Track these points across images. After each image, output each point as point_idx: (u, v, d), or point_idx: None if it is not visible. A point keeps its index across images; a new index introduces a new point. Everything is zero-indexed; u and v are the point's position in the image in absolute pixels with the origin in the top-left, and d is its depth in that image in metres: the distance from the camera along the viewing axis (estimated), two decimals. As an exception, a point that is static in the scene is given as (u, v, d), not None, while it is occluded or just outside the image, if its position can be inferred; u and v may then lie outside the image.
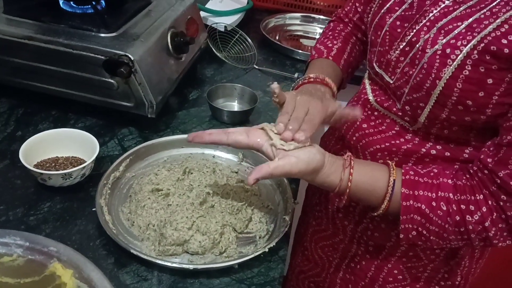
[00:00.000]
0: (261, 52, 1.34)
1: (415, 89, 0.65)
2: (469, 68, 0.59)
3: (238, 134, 0.67)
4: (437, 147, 0.69)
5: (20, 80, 0.94)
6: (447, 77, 0.60)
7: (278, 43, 1.39)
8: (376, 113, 0.76)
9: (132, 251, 0.67)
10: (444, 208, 0.63)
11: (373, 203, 0.68)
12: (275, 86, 0.68)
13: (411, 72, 0.65)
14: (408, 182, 0.65)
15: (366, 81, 0.80)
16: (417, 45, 0.64)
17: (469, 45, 0.59)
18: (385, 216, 0.74)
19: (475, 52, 0.58)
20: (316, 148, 0.66)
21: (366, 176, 0.67)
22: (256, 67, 1.28)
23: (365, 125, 0.77)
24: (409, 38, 0.66)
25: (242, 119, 1.04)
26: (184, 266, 0.68)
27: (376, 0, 0.75)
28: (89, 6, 0.96)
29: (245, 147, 0.68)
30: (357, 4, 0.89)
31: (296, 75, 1.25)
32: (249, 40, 1.31)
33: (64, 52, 0.88)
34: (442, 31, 0.62)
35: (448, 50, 0.60)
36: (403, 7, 0.70)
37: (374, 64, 0.75)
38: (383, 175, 0.67)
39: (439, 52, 0.61)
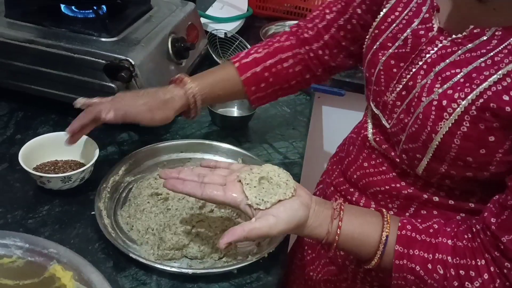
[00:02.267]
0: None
1: (411, 139, 0.61)
2: (467, 125, 0.54)
3: (214, 190, 0.62)
4: (440, 193, 0.64)
5: (20, 84, 0.94)
6: (444, 132, 0.56)
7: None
8: (376, 152, 0.71)
9: (131, 255, 0.67)
10: (441, 272, 0.57)
11: (363, 256, 0.63)
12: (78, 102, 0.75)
13: (406, 120, 0.61)
14: (403, 239, 0.60)
15: (369, 114, 0.73)
16: (414, 91, 0.60)
17: (466, 99, 0.54)
18: None
19: (473, 107, 0.53)
20: (300, 200, 0.61)
21: (356, 230, 0.62)
22: (256, 73, 1.28)
23: (366, 164, 0.72)
24: (405, 81, 0.62)
25: (241, 125, 1.05)
26: (183, 270, 0.68)
27: (369, 31, 0.70)
28: (91, 11, 0.97)
29: (221, 203, 0.64)
30: (327, 11, 0.80)
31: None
32: (249, 46, 1.31)
33: (65, 56, 0.88)
34: (439, 78, 0.57)
35: (444, 102, 0.56)
36: (396, 44, 0.64)
37: (371, 104, 0.70)
38: (375, 228, 0.62)
39: (434, 103, 0.57)
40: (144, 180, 0.83)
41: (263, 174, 0.63)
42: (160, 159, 0.89)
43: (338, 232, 0.61)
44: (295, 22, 1.52)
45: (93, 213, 0.73)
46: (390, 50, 0.65)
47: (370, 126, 0.72)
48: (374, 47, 0.68)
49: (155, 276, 0.69)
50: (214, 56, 1.26)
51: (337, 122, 1.41)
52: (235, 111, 1.10)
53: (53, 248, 0.50)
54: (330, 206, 0.63)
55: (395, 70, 0.64)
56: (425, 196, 0.65)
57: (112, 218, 0.76)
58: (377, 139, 0.70)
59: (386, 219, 0.62)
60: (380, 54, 0.67)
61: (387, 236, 0.61)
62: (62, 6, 0.98)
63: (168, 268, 0.67)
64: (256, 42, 1.42)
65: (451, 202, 0.64)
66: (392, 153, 0.67)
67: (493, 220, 0.55)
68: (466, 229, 0.59)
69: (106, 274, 0.67)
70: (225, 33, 1.31)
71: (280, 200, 0.60)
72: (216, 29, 1.30)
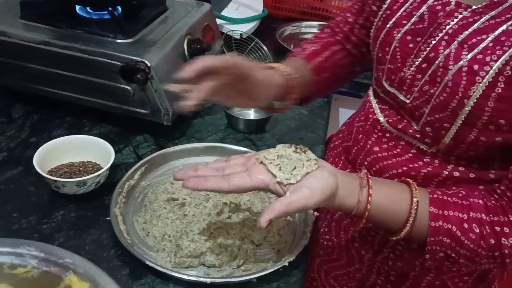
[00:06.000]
0: (276, 60, 1.31)
1: (437, 109, 0.60)
2: (502, 86, 0.54)
3: (240, 178, 0.59)
4: (460, 168, 0.64)
5: (35, 86, 0.93)
6: (477, 96, 0.55)
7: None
8: (388, 134, 0.70)
9: (147, 262, 0.65)
10: (477, 231, 0.57)
11: (394, 226, 0.62)
12: (171, 87, 0.63)
13: (432, 91, 0.60)
14: (436, 201, 0.60)
15: (372, 99, 0.75)
16: (437, 62, 0.60)
17: (500, 61, 0.54)
18: (409, 245, 0.70)
19: (508, 68, 0.54)
20: (327, 170, 0.60)
21: (386, 197, 0.61)
22: (272, 75, 1.26)
23: (376, 148, 0.71)
24: (425, 54, 0.62)
25: (258, 128, 1.02)
26: (201, 279, 0.65)
27: (378, 14, 0.70)
28: (106, 12, 0.95)
29: (250, 190, 0.60)
30: (348, 15, 0.84)
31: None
32: (265, 48, 1.29)
33: (80, 58, 0.87)
34: (465, 46, 0.57)
35: (475, 67, 0.56)
36: (412, 20, 0.64)
37: (384, 83, 0.70)
38: (405, 196, 0.61)
39: (464, 69, 0.56)
40: (160, 185, 0.81)
41: (281, 152, 0.61)
42: (176, 163, 0.87)
43: (369, 200, 0.60)
44: (312, 23, 1.54)
45: (108, 218, 0.71)
46: (406, 27, 0.65)
47: (377, 109, 0.72)
48: (388, 26, 0.67)
49: (172, 285, 0.67)
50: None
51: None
52: (251, 114, 1.08)
53: (69, 257, 0.48)
54: (356, 176, 0.62)
55: (411, 45, 0.64)
56: (445, 173, 0.65)
57: (128, 223, 0.74)
58: (390, 120, 0.69)
59: (413, 186, 0.61)
60: (395, 32, 0.66)
61: (417, 202, 0.60)
62: (77, 7, 0.96)
63: (185, 277, 0.65)
64: (272, 43, 1.41)
65: (471, 175, 0.64)
66: (410, 130, 0.66)
67: None
68: (491, 192, 0.60)
69: (122, 282, 0.66)
70: (241, 34, 1.29)
71: (308, 173, 0.58)
72: (232, 30, 1.28)
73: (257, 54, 1.29)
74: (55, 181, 0.73)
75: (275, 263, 0.71)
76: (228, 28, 1.29)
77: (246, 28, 1.33)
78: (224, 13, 1.35)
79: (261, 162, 0.60)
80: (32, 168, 0.75)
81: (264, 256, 0.73)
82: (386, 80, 0.69)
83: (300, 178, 0.58)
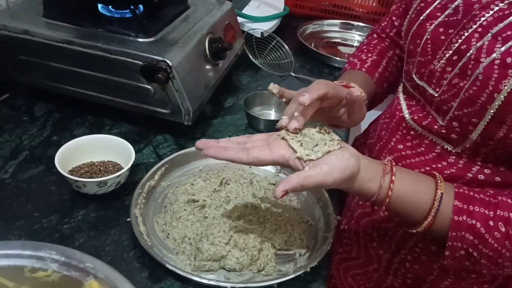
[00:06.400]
0: (297, 59, 1.31)
1: (466, 104, 0.58)
2: None
3: (260, 150, 0.58)
4: (485, 171, 0.62)
5: (57, 85, 0.93)
6: (508, 90, 0.53)
7: (316, 50, 1.35)
8: (412, 132, 0.68)
9: (167, 265, 0.64)
10: (503, 230, 0.55)
11: (414, 217, 0.60)
12: (271, 87, 0.63)
13: (461, 84, 0.59)
14: (461, 195, 0.58)
15: (401, 96, 0.73)
16: (468, 54, 0.58)
17: None
18: (427, 248, 0.68)
19: None
20: (350, 151, 0.58)
21: (409, 186, 0.59)
22: (293, 74, 1.24)
23: (400, 146, 0.70)
24: (456, 46, 0.60)
25: (279, 128, 1.01)
26: (221, 284, 0.64)
27: (412, 7, 0.69)
28: (128, 10, 0.95)
29: (269, 163, 0.59)
30: (394, 18, 0.84)
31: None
32: (286, 46, 1.27)
33: (101, 57, 0.86)
34: (499, 38, 0.55)
35: (508, 60, 0.53)
36: (446, 12, 0.63)
37: (414, 76, 0.68)
38: (429, 187, 0.59)
39: (497, 62, 0.54)
40: (180, 186, 0.80)
41: (304, 131, 0.60)
42: (196, 164, 0.86)
43: (391, 187, 0.58)
44: (334, 21, 1.51)
45: (128, 219, 0.71)
46: (439, 19, 0.64)
47: (404, 105, 0.71)
48: (421, 18, 0.66)
49: (191, 288, 0.66)
50: (250, 56, 1.23)
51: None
52: (272, 114, 1.06)
53: (90, 262, 0.47)
54: (380, 162, 0.60)
55: (443, 37, 0.63)
56: (469, 175, 0.63)
57: (148, 225, 0.73)
58: (415, 117, 0.68)
59: (439, 178, 0.59)
60: (427, 24, 0.65)
61: (442, 194, 0.58)
62: (99, 6, 0.96)
63: (205, 281, 0.64)
64: (293, 42, 1.39)
65: (497, 179, 0.62)
66: (435, 127, 0.64)
67: None
68: None
69: (141, 284, 0.65)
70: (262, 33, 1.27)
71: (329, 152, 0.57)
72: (253, 29, 1.26)
73: (278, 53, 1.27)
74: (76, 181, 0.73)
75: (296, 268, 0.70)
76: (249, 26, 1.27)
77: (267, 26, 1.31)
78: (245, 11, 1.33)
79: (283, 138, 0.59)
80: (54, 167, 0.75)
81: (285, 260, 0.72)
82: (416, 73, 0.68)
83: (320, 155, 0.56)
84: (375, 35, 0.89)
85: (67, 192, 0.78)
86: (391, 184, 0.58)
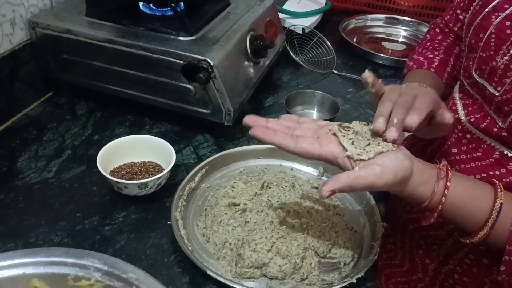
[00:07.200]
0: (339, 55, 1.26)
1: None
2: None
3: (309, 143, 0.55)
4: None
5: (98, 83, 0.94)
6: None
7: (359, 46, 1.30)
8: (468, 135, 0.64)
9: (208, 272, 0.63)
10: None
11: (469, 227, 0.55)
12: (367, 74, 0.58)
13: None
14: None
15: (456, 95, 0.69)
16: None
17: None
18: (479, 260, 0.63)
19: None
20: (403, 152, 0.54)
21: (465, 193, 0.54)
22: (335, 71, 1.20)
23: (455, 150, 0.65)
24: None
25: (321, 129, 0.97)
26: (263, 293, 0.62)
27: None
28: (168, 8, 0.93)
29: (316, 158, 0.55)
30: (459, 11, 0.78)
31: (379, 81, 1.14)
32: (328, 43, 1.24)
33: (143, 56, 0.85)
34: None
35: None
36: None
37: (473, 73, 0.63)
38: (487, 195, 0.54)
39: None
40: (220, 188, 0.79)
41: (357, 129, 0.57)
42: (236, 166, 0.85)
43: (446, 193, 0.53)
44: (378, 16, 1.46)
45: (169, 223, 0.70)
46: (507, 12, 0.59)
47: (460, 105, 0.67)
48: (486, 10, 0.62)
49: (233, 296, 0.64)
50: (291, 53, 1.19)
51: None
52: (314, 114, 1.03)
53: (133, 272, 0.46)
54: (435, 166, 0.56)
55: (508, 31, 0.58)
56: None
57: (188, 228, 0.72)
58: (472, 119, 0.63)
59: (499, 186, 0.54)
60: (493, 17, 0.61)
61: (501, 204, 0.53)
62: (141, 4, 0.95)
63: (247, 290, 0.62)
64: (335, 38, 1.35)
65: None
66: (495, 129, 0.60)
67: None
68: None
69: (182, 291, 0.64)
70: (303, 29, 1.24)
71: (382, 152, 0.53)
72: (294, 25, 1.23)
73: (320, 50, 1.24)
74: (118, 182, 0.73)
75: (340, 277, 0.67)
76: (290, 22, 1.24)
77: (309, 22, 1.27)
78: (286, 6, 1.30)
79: (334, 134, 0.56)
80: (95, 167, 0.75)
81: (329, 269, 0.69)
82: (476, 70, 0.63)
83: (372, 156, 0.53)
84: (438, 30, 0.83)
85: (108, 192, 0.78)
86: (446, 190, 0.53)
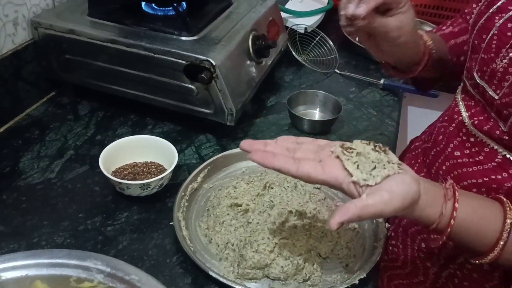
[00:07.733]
0: (342, 55, 1.26)
1: None
2: None
3: (311, 167, 0.52)
4: None
5: (100, 83, 0.94)
6: None
7: (361, 45, 1.29)
8: (472, 139, 0.64)
9: (210, 273, 0.63)
10: None
11: (479, 248, 0.54)
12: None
13: None
14: None
15: (459, 97, 0.68)
16: None
17: None
18: (479, 265, 0.61)
19: None
20: (410, 174, 0.52)
21: (474, 213, 0.53)
22: (338, 71, 1.20)
23: (457, 153, 0.65)
24: None
25: (323, 129, 0.97)
26: (266, 294, 0.62)
27: None
28: (171, 8, 0.93)
29: (319, 183, 0.53)
30: (474, 5, 0.76)
31: (382, 80, 1.15)
32: (330, 42, 1.23)
33: (145, 56, 0.85)
34: None
35: None
36: None
37: (475, 74, 0.63)
38: (496, 214, 0.53)
39: None
40: (223, 189, 0.79)
41: (359, 150, 0.54)
42: (239, 166, 0.85)
43: (454, 215, 0.52)
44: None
45: (171, 223, 0.70)
46: (510, 13, 0.59)
47: (462, 107, 0.66)
48: (490, 11, 0.61)
49: (235, 297, 0.64)
50: (293, 53, 1.19)
51: (425, 124, 1.29)
52: (316, 114, 1.03)
53: (135, 274, 0.46)
54: (441, 186, 0.55)
55: (509, 34, 0.58)
56: None
57: (191, 229, 0.72)
58: (476, 121, 0.63)
59: (507, 205, 0.53)
60: (496, 18, 0.60)
61: (511, 223, 0.52)
62: (143, 3, 0.95)
63: (249, 290, 0.62)
64: (338, 37, 1.34)
65: None
66: (497, 132, 0.59)
67: None
68: None
69: (184, 291, 0.64)
70: (305, 28, 1.23)
71: (388, 176, 0.51)
72: (296, 24, 1.22)
73: (322, 49, 1.23)
74: (120, 183, 0.73)
75: (343, 278, 0.67)
76: (292, 22, 1.23)
77: (311, 21, 1.27)
78: (288, 6, 1.29)
79: (337, 157, 0.54)
80: (97, 167, 0.75)
81: (331, 270, 0.69)
82: (478, 71, 0.63)
83: (380, 180, 0.51)
84: (460, 19, 0.83)
85: (110, 193, 0.78)
86: (454, 212, 0.52)
